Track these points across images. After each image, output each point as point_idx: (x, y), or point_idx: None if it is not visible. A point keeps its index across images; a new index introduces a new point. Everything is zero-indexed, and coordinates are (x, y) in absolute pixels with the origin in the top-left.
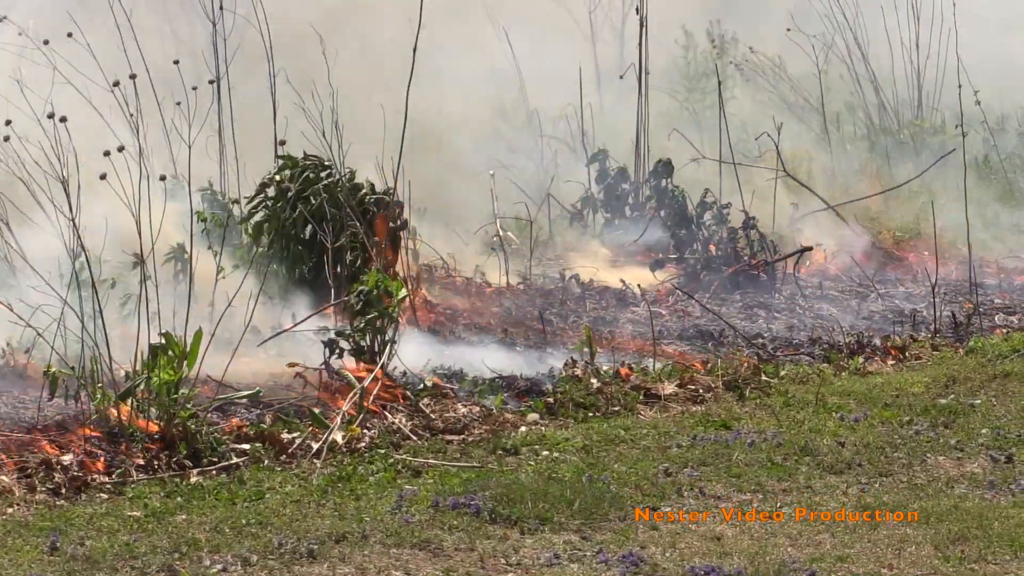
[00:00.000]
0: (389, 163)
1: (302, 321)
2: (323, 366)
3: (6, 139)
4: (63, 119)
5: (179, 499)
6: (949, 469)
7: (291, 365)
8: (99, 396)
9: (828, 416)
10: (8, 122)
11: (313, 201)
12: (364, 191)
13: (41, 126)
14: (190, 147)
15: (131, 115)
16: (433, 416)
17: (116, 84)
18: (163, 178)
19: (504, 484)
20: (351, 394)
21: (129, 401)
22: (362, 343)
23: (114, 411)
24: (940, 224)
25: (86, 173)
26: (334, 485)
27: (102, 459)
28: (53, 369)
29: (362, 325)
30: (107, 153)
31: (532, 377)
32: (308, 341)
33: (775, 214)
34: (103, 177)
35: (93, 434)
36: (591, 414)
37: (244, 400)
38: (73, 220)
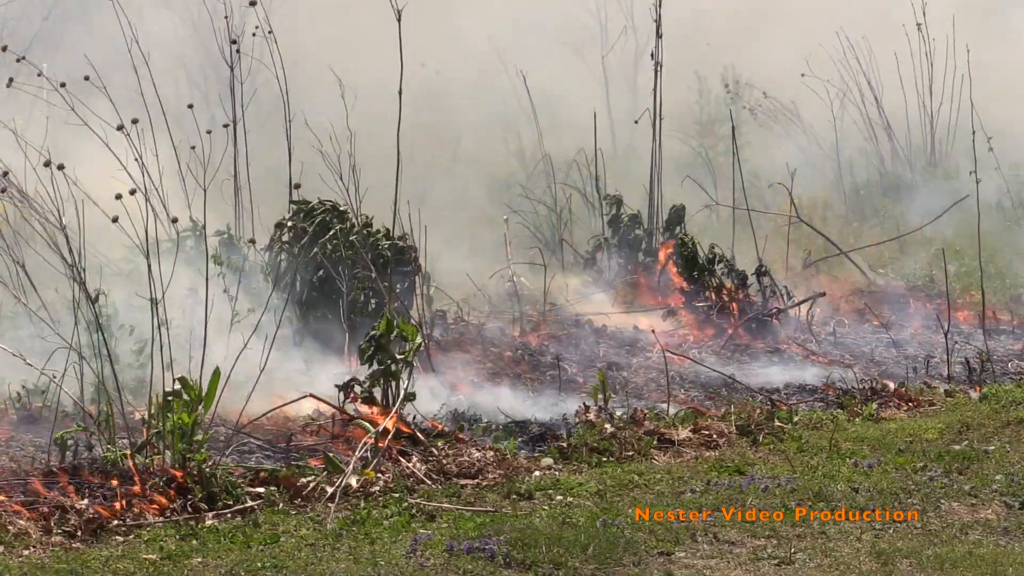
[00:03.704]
0: (405, 208)
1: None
2: (338, 410)
3: (2, 191)
4: (60, 167)
5: (194, 542)
6: (963, 515)
7: (306, 425)
8: (112, 450)
9: (842, 462)
10: (5, 173)
11: (328, 246)
12: (379, 236)
13: (37, 174)
14: (205, 190)
15: (136, 160)
16: (447, 460)
17: (120, 128)
18: (175, 221)
19: (518, 528)
20: (365, 439)
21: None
22: (375, 388)
23: (130, 461)
24: (953, 269)
25: (101, 217)
26: (349, 529)
27: (117, 503)
28: (60, 433)
29: (376, 370)
30: (119, 196)
31: (546, 422)
32: (323, 383)
33: (788, 259)
34: (115, 220)
35: (108, 478)
36: (605, 459)
37: (259, 443)
38: (76, 267)
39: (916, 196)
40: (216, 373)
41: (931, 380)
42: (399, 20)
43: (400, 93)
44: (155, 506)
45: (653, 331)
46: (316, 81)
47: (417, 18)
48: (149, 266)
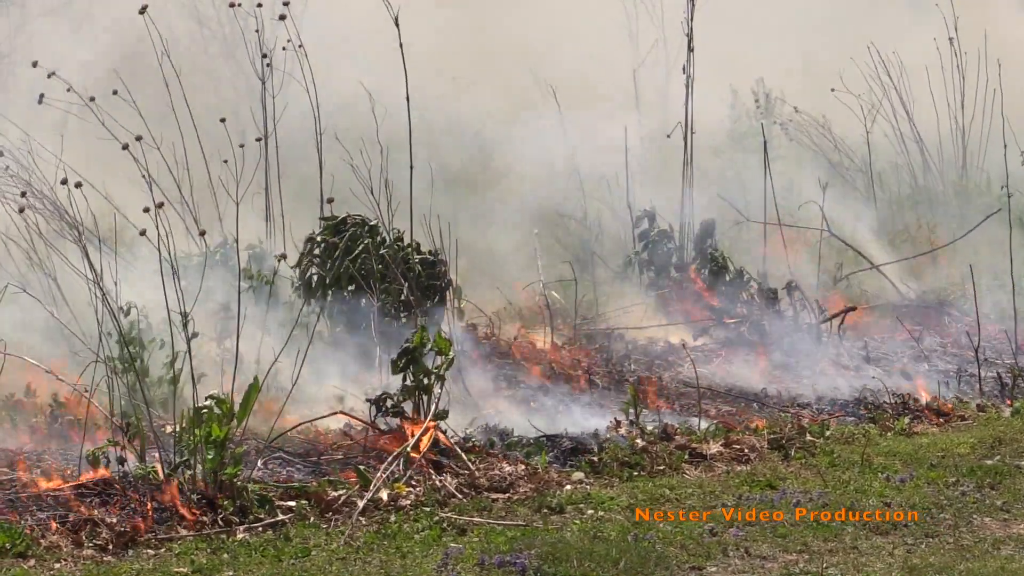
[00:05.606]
0: (436, 222)
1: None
2: (369, 425)
3: (21, 211)
4: (78, 184)
5: (225, 556)
6: (995, 530)
7: (337, 446)
8: (142, 466)
9: (874, 476)
10: (23, 193)
11: (359, 260)
12: (409, 250)
13: (53, 192)
14: (237, 204)
15: (145, 174)
16: (478, 474)
17: (126, 147)
18: (203, 233)
19: (550, 543)
20: (396, 452)
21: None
22: (406, 403)
23: (160, 475)
24: (985, 284)
25: (133, 230)
26: (380, 543)
27: (148, 516)
28: (92, 449)
29: (409, 384)
30: (147, 210)
31: (577, 436)
32: (355, 396)
33: (819, 274)
34: (143, 233)
35: (139, 492)
36: (636, 473)
37: (290, 457)
38: (98, 282)
39: (948, 210)
40: (255, 383)
41: (963, 395)
42: (397, 25)
43: (408, 99)
44: (186, 520)
45: (684, 345)
46: (346, 95)
47: (445, 31)
48: (180, 280)
